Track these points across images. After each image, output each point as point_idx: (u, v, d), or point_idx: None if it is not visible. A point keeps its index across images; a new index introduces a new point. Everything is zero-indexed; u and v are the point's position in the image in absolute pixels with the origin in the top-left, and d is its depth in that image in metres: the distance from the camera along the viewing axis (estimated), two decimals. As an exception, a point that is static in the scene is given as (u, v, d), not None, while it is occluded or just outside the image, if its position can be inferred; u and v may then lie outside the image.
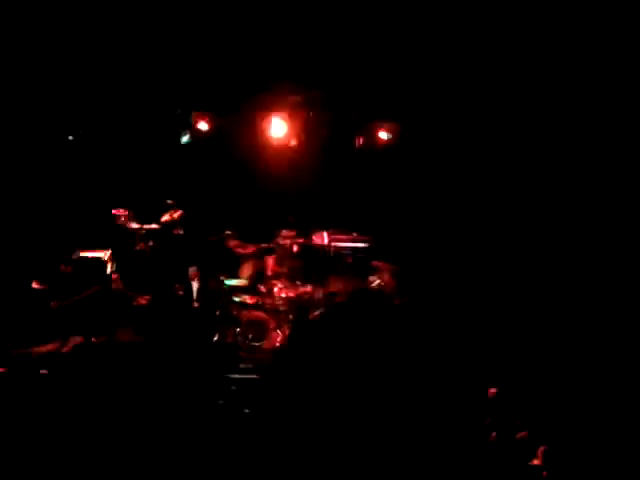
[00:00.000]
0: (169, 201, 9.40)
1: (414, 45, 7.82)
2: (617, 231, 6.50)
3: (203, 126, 9.61)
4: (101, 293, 7.89)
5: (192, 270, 7.81)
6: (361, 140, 9.59)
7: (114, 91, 8.65)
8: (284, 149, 9.54)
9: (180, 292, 7.71)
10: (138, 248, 9.03)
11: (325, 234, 9.33)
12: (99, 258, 8.52)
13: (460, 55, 7.75)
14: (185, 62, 8.41)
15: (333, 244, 9.24)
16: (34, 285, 7.65)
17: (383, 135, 9.32)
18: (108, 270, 8.36)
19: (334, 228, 9.30)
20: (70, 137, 9.16)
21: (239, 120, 9.35)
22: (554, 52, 7.05)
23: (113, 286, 8.10)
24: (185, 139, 9.63)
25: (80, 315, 7.56)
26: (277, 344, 7.87)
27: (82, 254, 8.32)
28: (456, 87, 8.12)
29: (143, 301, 8.02)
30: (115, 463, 5.03)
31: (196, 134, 9.66)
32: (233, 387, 7.00)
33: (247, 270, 8.81)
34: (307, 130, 9.45)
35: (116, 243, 8.83)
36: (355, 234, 9.27)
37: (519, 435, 4.35)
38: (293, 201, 9.34)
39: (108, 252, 8.55)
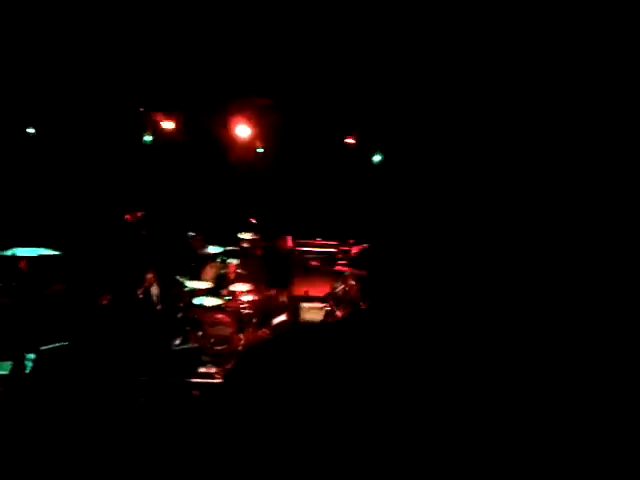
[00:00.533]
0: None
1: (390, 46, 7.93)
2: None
3: (167, 125, 9.49)
4: (62, 292, 7.67)
5: (149, 275, 7.61)
6: (327, 143, 9.65)
7: (77, 88, 8.43)
8: (250, 152, 9.51)
9: (140, 294, 7.52)
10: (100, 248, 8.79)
11: (289, 238, 9.34)
12: (59, 256, 8.27)
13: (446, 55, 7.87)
14: (151, 59, 8.26)
15: (297, 248, 9.26)
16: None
17: (350, 140, 9.42)
18: (68, 269, 8.11)
19: (299, 232, 9.32)
20: (30, 130, 8.88)
21: (204, 120, 9.27)
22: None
23: (75, 286, 7.88)
24: (148, 138, 9.46)
25: (39, 315, 7.33)
26: (240, 348, 7.82)
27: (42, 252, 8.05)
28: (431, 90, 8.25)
29: (104, 301, 7.82)
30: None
31: (159, 134, 9.52)
32: (194, 391, 6.92)
33: (210, 272, 8.72)
34: (274, 134, 9.44)
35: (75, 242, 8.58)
36: (319, 239, 9.31)
37: None
38: (258, 204, 9.30)
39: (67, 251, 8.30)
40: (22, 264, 7.50)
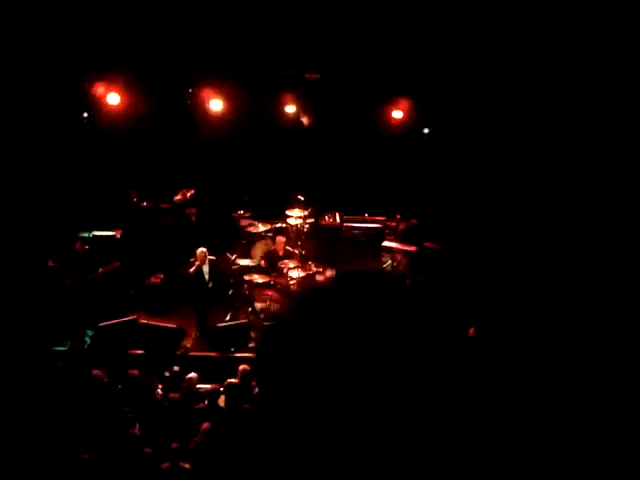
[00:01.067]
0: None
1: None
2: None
3: (215, 104, 9.54)
4: (116, 272, 7.96)
5: (201, 252, 7.73)
6: (375, 119, 9.45)
7: (127, 68, 8.60)
8: (298, 129, 9.46)
9: (192, 272, 7.69)
10: (151, 227, 9.06)
11: (337, 215, 9.31)
12: (113, 237, 8.59)
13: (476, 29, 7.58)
14: (202, 37, 8.33)
15: (345, 224, 9.21)
16: (49, 263, 7.74)
17: (397, 114, 9.17)
18: (121, 249, 8.42)
19: (346, 208, 9.26)
20: (85, 115, 9.14)
21: (256, 98, 9.26)
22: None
23: (127, 265, 8.16)
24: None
25: (95, 293, 7.65)
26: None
27: (96, 233, 8.39)
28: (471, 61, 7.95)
29: (156, 280, 8.09)
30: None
31: (206, 113, 9.58)
32: (243, 365, 7.09)
33: (259, 250, 8.83)
34: (321, 110, 9.33)
35: (129, 222, 8.88)
36: (367, 215, 9.23)
37: None
38: (306, 181, 9.27)
39: (121, 231, 8.62)
40: (77, 245, 7.84)
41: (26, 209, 8.04)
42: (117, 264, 7.99)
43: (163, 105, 9.19)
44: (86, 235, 8.31)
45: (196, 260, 7.72)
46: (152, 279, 8.10)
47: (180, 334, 7.32)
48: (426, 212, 8.81)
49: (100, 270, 7.74)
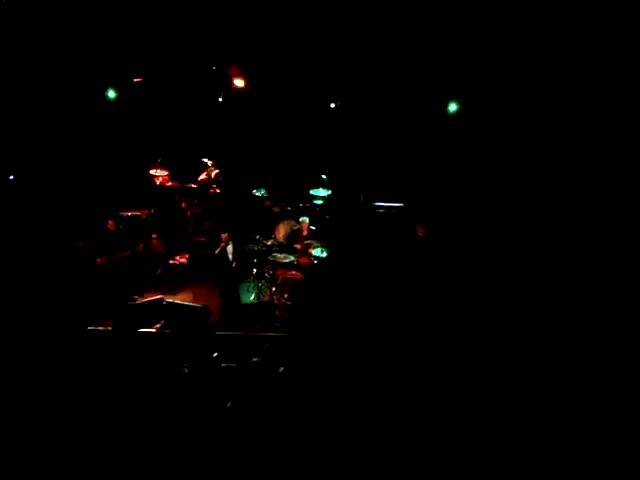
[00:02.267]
0: (206, 160, 9.48)
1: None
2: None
3: (239, 83, 9.54)
4: (145, 251, 8.12)
5: (224, 235, 7.85)
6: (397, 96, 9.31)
7: (150, 48, 8.63)
8: (320, 108, 9.41)
9: (216, 252, 7.81)
10: (176, 207, 9.20)
11: (361, 194, 9.28)
12: (140, 217, 8.76)
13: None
14: (222, 16, 8.29)
15: (368, 203, 9.18)
16: (80, 244, 7.94)
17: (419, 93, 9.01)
18: (149, 229, 8.58)
19: (370, 188, 9.23)
20: (111, 94, 9.23)
21: (274, 78, 9.23)
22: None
23: (153, 245, 8.32)
24: (221, 97, 9.59)
25: (124, 272, 7.84)
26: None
27: (124, 213, 8.55)
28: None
29: (183, 259, 8.24)
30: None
31: (232, 92, 9.60)
32: (267, 345, 7.20)
33: (283, 230, 8.88)
34: (345, 88, 9.25)
35: (155, 202, 9.02)
36: (390, 193, 9.18)
37: None
38: (330, 161, 9.26)
39: (148, 211, 8.77)
40: (110, 224, 7.99)
41: (58, 189, 8.26)
42: (142, 246, 8.12)
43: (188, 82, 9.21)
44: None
45: (221, 241, 7.83)
46: (178, 258, 8.25)
47: (205, 313, 7.45)
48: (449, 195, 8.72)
49: (127, 251, 7.90)
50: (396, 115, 9.24)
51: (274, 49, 8.80)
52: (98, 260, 7.79)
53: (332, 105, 9.40)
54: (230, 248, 7.93)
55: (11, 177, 8.60)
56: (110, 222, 7.99)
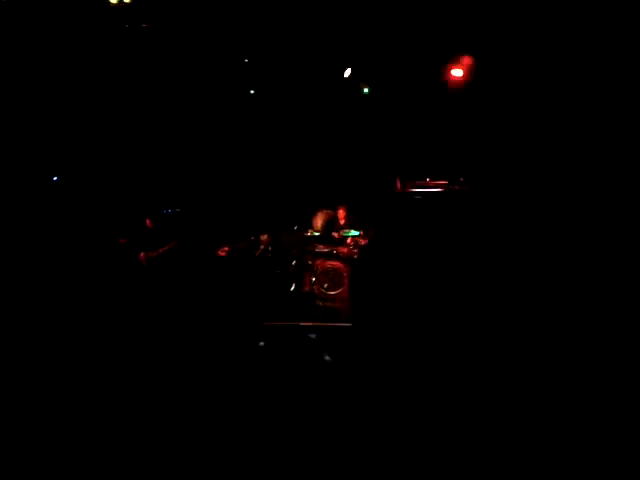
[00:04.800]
0: None
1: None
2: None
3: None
4: (183, 245, 8.25)
5: (264, 238, 7.96)
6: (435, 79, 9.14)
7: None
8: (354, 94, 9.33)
9: (257, 253, 7.94)
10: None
11: (398, 179, 9.17)
12: (178, 212, 8.90)
13: None
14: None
15: (407, 189, 9.07)
16: (120, 240, 8.11)
17: (457, 72, 8.82)
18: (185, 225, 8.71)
19: (407, 173, 9.11)
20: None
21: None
22: None
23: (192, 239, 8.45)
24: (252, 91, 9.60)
25: (164, 266, 8.00)
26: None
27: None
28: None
29: (222, 253, 8.31)
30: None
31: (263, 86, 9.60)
32: (310, 334, 7.24)
33: (320, 219, 8.86)
34: (378, 74, 9.14)
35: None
36: (428, 179, 9.04)
37: None
38: (365, 147, 9.17)
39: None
40: (148, 221, 8.17)
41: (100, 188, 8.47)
42: (176, 242, 8.23)
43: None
44: None
45: (260, 243, 7.97)
46: (219, 252, 8.33)
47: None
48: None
49: (164, 248, 8.06)
50: (429, 99, 9.08)
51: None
52: (140, 255, 7.97)
53: (365, 90, 9.31)
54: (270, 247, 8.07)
55: (55, 178, 8.85)
56: (147, 220, 8.17)
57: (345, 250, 8.31)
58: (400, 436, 4.35)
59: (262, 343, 6.60)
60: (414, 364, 6.03)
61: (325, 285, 8.04)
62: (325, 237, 8.49)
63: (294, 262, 8.28)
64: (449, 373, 5.62)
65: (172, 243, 8.12)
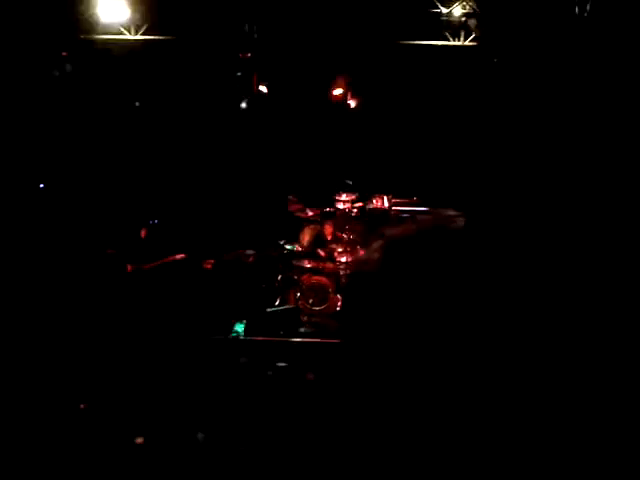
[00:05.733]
0: None
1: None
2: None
3: (263, 89, 9.61)
4: (182, 261, 8.11)
5: (249, 251, 7.97)
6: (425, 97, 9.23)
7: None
8: (343, 111, 9.40)
9: (244, 258, 7.91)
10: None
11: (385, 198, 9.21)
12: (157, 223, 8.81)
13: None
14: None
15: (394, 208, 9.11)
16: (109, 251, 8.02)
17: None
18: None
19: (395, 192, 9.15)
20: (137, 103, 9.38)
21: (296, 82, 9.25)
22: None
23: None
24: (244, 104, 9.65)
25: (154, 280, 7.88)
26: (338, 308, 7.97)
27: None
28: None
29: (208, 266, 8.28)
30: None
31: (255, 98, 9.65)
32: (294, 351, 7.21)
33: (307, 234, 8.87)
34: (367, 90, 9.23)
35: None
36: (416, 198, 9.10)
37: None
38: (354, 164, 9.22)
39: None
40: (142, 232, 8.08)
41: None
42: (183, 256, 8.08)
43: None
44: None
45: (247, 257, 7.99)
46: (204, 264, 8.30)
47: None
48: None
49: (164, 259, 7.93)
50: (419, 116, 9.16)
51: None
52: (129, 267, 7.84)
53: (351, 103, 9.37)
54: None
55: (41, 185, 8.78)
56: (143, 230, 8.06)
57: (331, 266, 8.33)
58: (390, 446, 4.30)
59: (244, 359, 6.55)
60: (407, 378, 5.98)
61: (310, 301, 8.03)
62: (311, 253, 8.51)
63: (280, 277, 8.27)
64: (444, 385, 5.55)
65: (173, 257, 7.93)
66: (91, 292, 7.44)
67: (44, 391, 5.54)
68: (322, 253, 8.49)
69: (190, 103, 9.28)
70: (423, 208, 9.05)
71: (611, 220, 6.72)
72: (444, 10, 8.91)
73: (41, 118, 8.52)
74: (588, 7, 7.55)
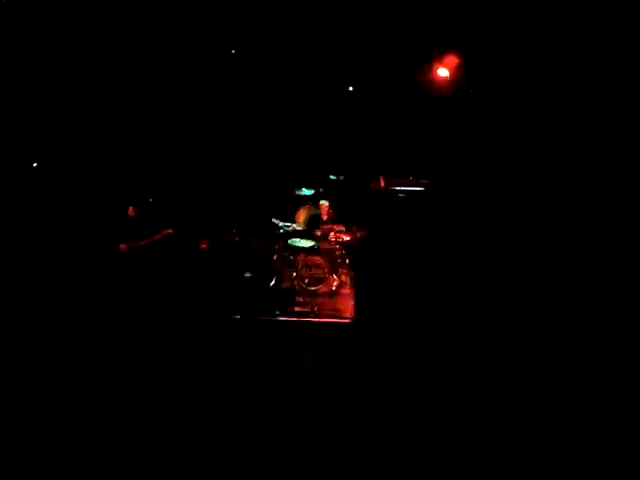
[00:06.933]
0: None
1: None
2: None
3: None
4: (169, 237, 8.02)
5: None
6: (420, 78, 9.15)
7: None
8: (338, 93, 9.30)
9: (237, 238, 7.87)
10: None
11: (381, 178, 9.18)
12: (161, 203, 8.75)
13: None
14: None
15: (390, 187, 9.09)
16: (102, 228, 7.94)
17: (442, 72, 8.84)
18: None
19: (390, 171, 9.12)
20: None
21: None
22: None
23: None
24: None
25: (147, 258, 7.81)
26: (333, 288, 7.99)
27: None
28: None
29: (203, 246, 8.26)
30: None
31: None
32: (290, 329, 7.25)
33: (303, 214, 8.85)
34: (361, 71, 9.11)
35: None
36: (412, 177, 9.07)
37: None
38: (349, 145, 9.15)
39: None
40: (130, 210, 7.95)
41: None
42: (170, 231, 7.97)
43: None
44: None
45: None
46: (200, 245, 8.26)
47: None
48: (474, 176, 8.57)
49: (153, 237, 7.81)
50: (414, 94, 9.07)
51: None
52: (121, 246, 7.75)
53: (350, 88, 9.28)
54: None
55: (34, 164, 8.69)
56: (130, 208, 7.93)
57: (327, 246, 8.32)
58: (392, 438, 4.31)
59: (243, 341, 6.57)
60: (408, 362, 6.01)
61: (306, 281, 8.03)
62: (307, 232, 8.49)
63: (275, 257, 8.27)
64: (445, 376, 5.58)
65: (162, 233, 7.80)
66: (86, 273, 7.41)
67: (42, 374, 5.54)
68: (318, 233, 8.46)
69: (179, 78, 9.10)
70: (418, 188, 9.04)
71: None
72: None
73: (28, 94, 8.38)
74: None
